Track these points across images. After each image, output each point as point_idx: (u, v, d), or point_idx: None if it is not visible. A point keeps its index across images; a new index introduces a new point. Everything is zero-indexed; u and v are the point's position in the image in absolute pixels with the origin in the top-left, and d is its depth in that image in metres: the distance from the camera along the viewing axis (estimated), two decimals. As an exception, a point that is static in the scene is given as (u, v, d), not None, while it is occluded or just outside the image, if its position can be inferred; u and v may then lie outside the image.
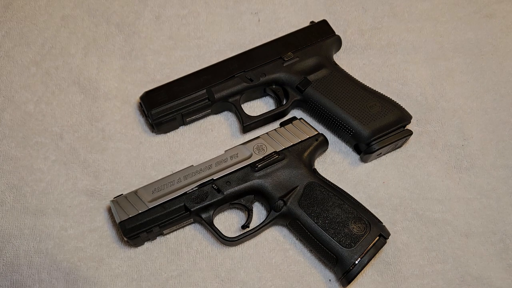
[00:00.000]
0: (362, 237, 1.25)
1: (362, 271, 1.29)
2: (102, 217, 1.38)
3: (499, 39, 1.65)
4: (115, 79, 1.57)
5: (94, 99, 1.53)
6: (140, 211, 1.28)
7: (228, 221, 1.39)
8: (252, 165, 1.35)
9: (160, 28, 1.65)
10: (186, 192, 1.31)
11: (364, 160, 1.45)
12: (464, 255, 1.35)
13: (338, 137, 1.49)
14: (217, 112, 1.52)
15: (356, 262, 1.23)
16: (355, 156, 1.47)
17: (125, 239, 1.29)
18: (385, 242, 1.27)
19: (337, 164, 1.47)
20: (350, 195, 1.33)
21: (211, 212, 1.32)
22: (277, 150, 1.37)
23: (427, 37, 1.65)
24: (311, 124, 1.45)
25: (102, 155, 1.45)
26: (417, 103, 1.54)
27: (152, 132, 1.50)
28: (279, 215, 1.31)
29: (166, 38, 1.64)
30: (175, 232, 1.37)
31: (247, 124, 1.46)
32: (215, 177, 1.33)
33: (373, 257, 1.25)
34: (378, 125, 1.40)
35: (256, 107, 1.55)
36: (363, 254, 1.24)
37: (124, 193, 1.34)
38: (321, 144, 1.41)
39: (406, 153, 1.47)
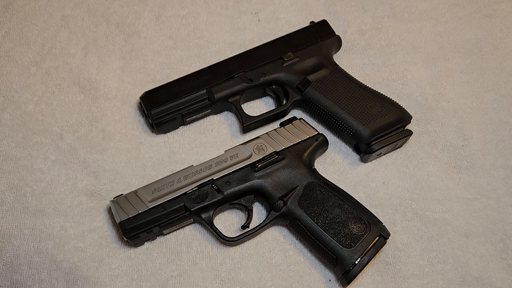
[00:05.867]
0: (362, 237, 1.25)
1: (362, 271, 1.29)
2: (102, 217, 1.38)
3: (499, 39, 1.65)
4: (115, 79, 1.57)
5: (94, 99, 1.53)
6: (140, 211, 1.28)
7: (228, 221, 1.39)
8: (252, 165, 1.34)
9: (160, 28, 1.65)
10: (186, 192, 1.31)
11: (364, 160, 1.45)
12: (464, 255, 1.35)
13: (338, 137, 1.49)
14: (217, 112, 1.52)
15: (356, 262, 1.23)
16: (355, 156, 1.47)
17: (125, 239, 1.29)
18: (385, 242, 1.27)
19: (337, 164, 1.47)
20: (350, 195, 1.32)
21: (211, 212, 1.32)
22: (277, 150, 1.37)
23: (427, 37, 1.65)
24: (311, 124, 1.45)
25: (102, 155, 1.45)
26: (417, 103, 1.54)
27: (152, 132, 1.50)
28: (279, 215, 1.31)
29: (166, 38, 1.64)
30: (175, 232, 1.37)
31: (247, 124, 1.46)
32: (215, 177, 1.33)
33: (373, 257, 1.25)
34: (378, 125, 1.39)
35: (256, 107, 1.55)
36: (363, 254, 1.24)
37: (124, 193, 1.34)
38: (321, 144, 1.41)
39: (406, 153, 1.47)
